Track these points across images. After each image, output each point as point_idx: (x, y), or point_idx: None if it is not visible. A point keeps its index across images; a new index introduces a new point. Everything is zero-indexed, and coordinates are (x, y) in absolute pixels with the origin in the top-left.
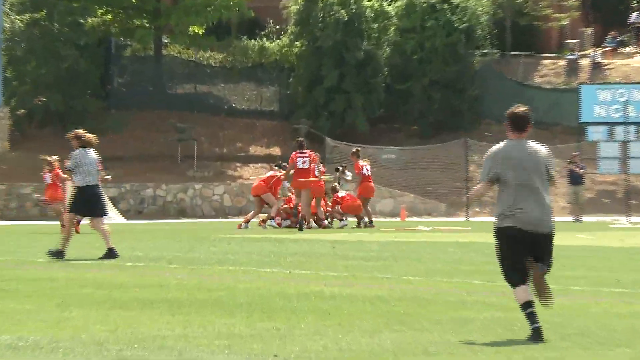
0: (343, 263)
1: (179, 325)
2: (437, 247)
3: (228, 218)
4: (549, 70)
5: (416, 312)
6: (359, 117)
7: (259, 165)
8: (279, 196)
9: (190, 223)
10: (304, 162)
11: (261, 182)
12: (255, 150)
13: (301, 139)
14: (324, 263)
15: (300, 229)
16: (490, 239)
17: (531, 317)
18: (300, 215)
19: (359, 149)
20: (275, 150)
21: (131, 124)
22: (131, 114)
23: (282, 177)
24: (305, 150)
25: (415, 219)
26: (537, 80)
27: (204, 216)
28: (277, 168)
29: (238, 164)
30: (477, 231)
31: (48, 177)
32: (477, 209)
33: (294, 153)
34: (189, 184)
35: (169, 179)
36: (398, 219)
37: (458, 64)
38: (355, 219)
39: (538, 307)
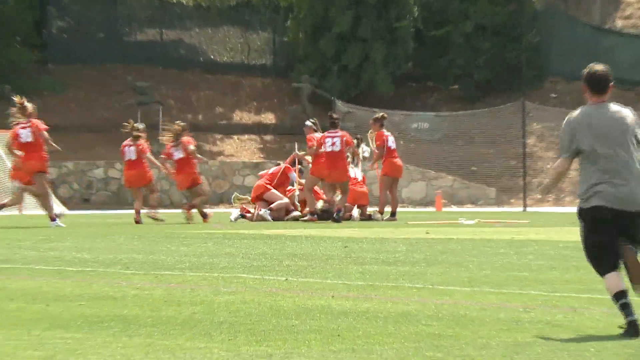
0: (358, 268)
1: (139, 351)
2: (484, 247)
3: (204, 208)
4: (634, 10)
5: (456, 333)
6: (380, 74)
7: (246, 137)
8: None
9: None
10: (333, 144)
11: (266, 181)
12: (241, 117)
13: (335, 115)
14: (333, 268)
15: (337, 221)
16: (555, 236)
17: (626, 308)
18: (336, 207)
19: (385, 115)
20: (268, 117)
21: (75, 82)
22: (75, 70)
23: (302, 159)
24: (338, 130)
25: (454, 209)
26: (619, 24)
27: (172, 205)
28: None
29: (218, 136)
30: (538, 226)
31: (131, 152)
32: (539, 196)
33: (324, 133)
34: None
35: None
36: (432, 209)
37: (512, 2)
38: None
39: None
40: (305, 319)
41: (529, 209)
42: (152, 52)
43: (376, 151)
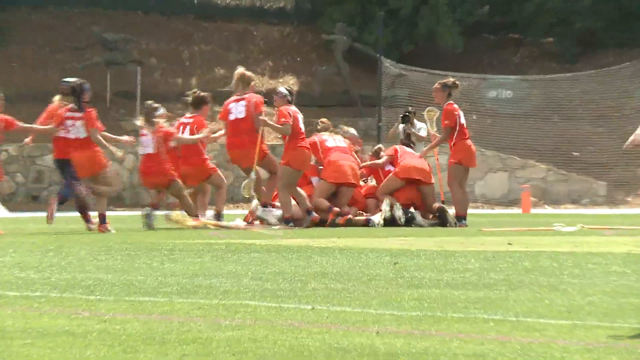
0: (413, 293)
1: None
2: (588, 264)
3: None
4: None
5: None
6: (444, 22)
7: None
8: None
9: (128, 217)
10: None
11: None
12: None
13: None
14: (378, 293)
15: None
16: None
17: None
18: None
19: (457, 82)
20: (289, 82)
21: (20, 33)
22: (20, 17)
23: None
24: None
25: (548, 210)
26: None
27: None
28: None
29: (217, 108)
30: None
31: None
32: None
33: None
34: (126, 147)
35: None
36: (517, 210)
37: None
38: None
39: None
40: None
41: None
42: None
43: (436, 134)
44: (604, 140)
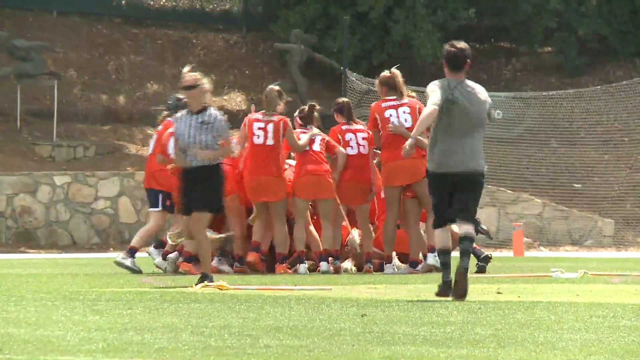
0: (384, 351)
1: None
2: (593, 317)
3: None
4: None
5: None
6: (422, 28)
7: None
8: None
9: (46, 261)
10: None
11: None
12: None
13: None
14: (343, 351)
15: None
16: None
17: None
18: None
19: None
20: (235, 100)
21: None
22: None
23: None
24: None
25: (545, 252)
26: None
27: (74, 246)
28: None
29: (151, 131)
30: None
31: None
32: None
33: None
34: (40, 176)
35: None
36: (507, 252)
37: None
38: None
39: None
40: None
41: None
42: None
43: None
44: (611, 169)
